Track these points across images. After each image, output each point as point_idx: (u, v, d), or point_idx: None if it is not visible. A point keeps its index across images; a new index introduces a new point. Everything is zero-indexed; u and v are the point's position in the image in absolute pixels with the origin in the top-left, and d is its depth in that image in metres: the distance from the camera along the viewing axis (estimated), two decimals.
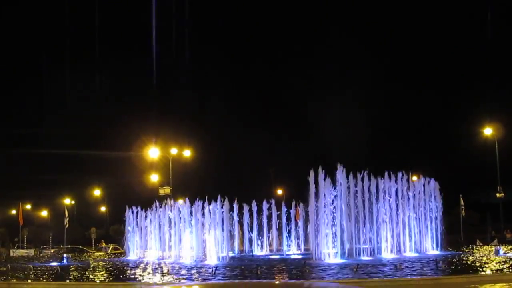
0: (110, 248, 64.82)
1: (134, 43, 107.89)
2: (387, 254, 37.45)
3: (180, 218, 43.20)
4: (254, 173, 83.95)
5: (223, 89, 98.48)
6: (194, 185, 65.36)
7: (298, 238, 45.36)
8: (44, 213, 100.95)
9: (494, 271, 25.77)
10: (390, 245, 38.47)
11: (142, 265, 35.84)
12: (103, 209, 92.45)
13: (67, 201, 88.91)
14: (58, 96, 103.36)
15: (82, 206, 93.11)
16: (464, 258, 34.83)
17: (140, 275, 27.42)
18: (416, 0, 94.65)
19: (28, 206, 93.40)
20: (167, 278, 25.23)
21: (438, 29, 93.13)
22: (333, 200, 35.45)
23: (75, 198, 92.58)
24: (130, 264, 37.14)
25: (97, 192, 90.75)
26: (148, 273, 28.66)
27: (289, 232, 45.08)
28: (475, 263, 30.67)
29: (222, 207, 39.44)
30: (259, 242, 46.13)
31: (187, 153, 68.24)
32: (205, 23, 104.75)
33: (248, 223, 45.18)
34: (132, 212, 49.44)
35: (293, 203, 45.56)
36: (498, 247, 41.32)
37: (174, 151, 65.85)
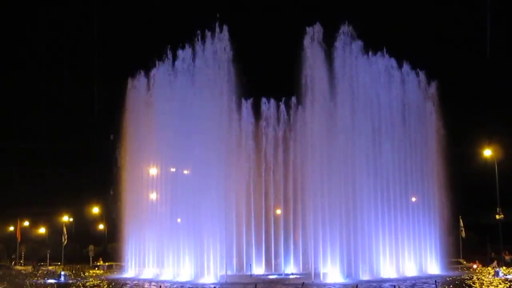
0: (105, 266, 64.91)
1: None
2: (387, 273, 37.32)
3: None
4: None
5: None
6: None
7: (297, 258, 45.16)
8: (42, 230, 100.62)
9: None
10: (390, 264, 38.39)
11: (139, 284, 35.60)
12: (101, 226, 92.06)
13: (65, 218, 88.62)
14: (56, 111, 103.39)
15: (80, 223, 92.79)
16: (464, 279, 34.72)
17: None
18: (411, 22, 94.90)
19: (26, 223, 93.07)
20: None
21: (436, 47, 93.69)
22: None
23: (73, 215, 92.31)
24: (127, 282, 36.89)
25: (95, 210, 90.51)
26: None
27: (288, 251, 44.91)
28: (475, 284, 30.58)
29: None
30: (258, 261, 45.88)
31: None
32: None
33: None
34: None
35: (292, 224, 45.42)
36: (497, 268, 41.25)
37: None
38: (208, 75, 40.58)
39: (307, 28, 37.47)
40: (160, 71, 45.69)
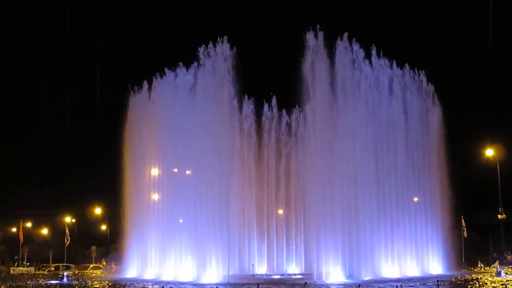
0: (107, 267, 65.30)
1: None
2: (389, 273, 37.32)
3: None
4: None
5: None
6: None
7: (299, 257, 45.26)
8: (44, 231, 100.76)
9: None
10: (392, 264, 38.41)
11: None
12: (103, 227, 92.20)
13: (68, 219, 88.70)
14: (59, 113, 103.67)
15: (83, 224, 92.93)
16: (465, 279, 34.74)
17: None
18: (413, 26, 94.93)
19: (29, 224, 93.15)
20: None
21: (437, 48, 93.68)
22: None
23: (76, 216, 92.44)
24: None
25: (98, 211, 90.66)
26: None
27: (290, 251, 45.02)
28: (476, 284, 30.60)
29: None
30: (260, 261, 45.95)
31: None
32: None
33: None
34: None
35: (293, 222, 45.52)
36: (499, 268, 41.28)
37: None
38: (210, 79, 40.76)
39: (307, 36, 37.63)
40: (163, 78, 46.01)
